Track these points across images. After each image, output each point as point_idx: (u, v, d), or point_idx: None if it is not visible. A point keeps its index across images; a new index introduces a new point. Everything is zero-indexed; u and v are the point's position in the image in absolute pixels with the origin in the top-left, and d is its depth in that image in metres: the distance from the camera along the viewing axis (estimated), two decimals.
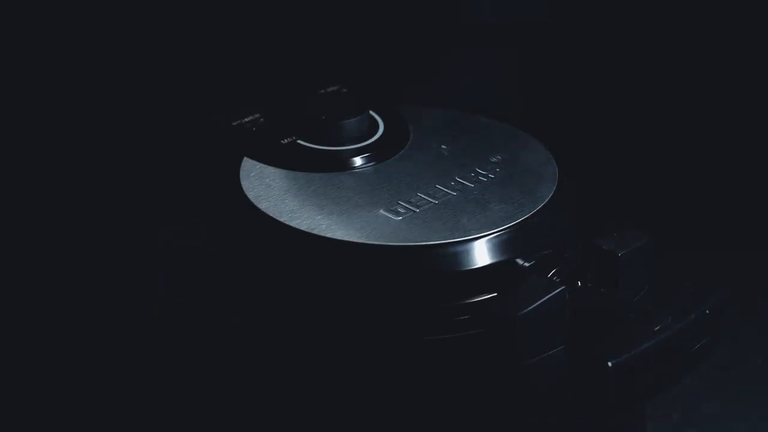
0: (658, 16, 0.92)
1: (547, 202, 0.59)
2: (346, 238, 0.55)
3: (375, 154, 0.62)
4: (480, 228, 0.56)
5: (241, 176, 0.60)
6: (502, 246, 0.56)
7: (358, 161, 0.62)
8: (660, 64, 0.93)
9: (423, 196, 0.59)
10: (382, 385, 0.55)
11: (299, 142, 0.62)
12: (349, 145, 0.62)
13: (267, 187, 0.59)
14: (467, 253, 0.55)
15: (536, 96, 0.94)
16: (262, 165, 0.61)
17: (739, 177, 0.91)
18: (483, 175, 0.61)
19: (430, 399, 0.55)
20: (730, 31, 0.91)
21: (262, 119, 0.64)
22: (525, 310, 0.51)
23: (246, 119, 0.64)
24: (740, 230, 0.86)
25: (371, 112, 0.65)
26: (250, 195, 0.58)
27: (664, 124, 0.93)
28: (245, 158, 0.62)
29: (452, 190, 0.60)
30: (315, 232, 0.55)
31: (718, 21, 0.91)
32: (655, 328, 0.53)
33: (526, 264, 0.55)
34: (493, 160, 0.63)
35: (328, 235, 0.55)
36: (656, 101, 0.94)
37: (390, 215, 0.57)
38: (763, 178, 0.91)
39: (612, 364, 0.50)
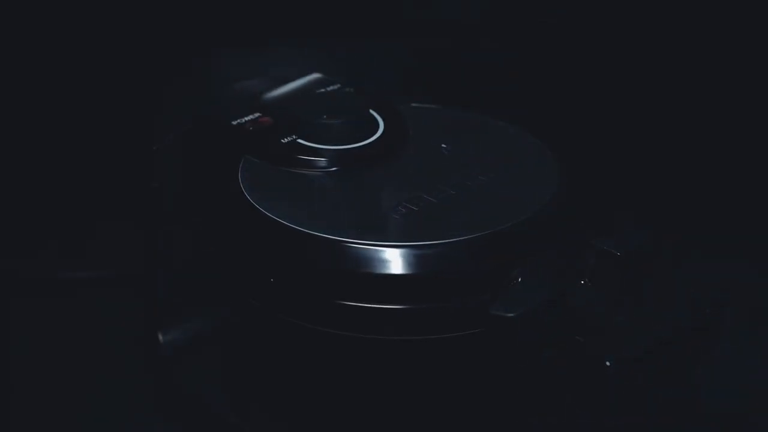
0: (658, 16, 0.92)
1: (547, 202, 0.59)
2: (343, 238, 0.55)
3: (375, 153, 0.63)
4: (479, 227, 0.56)
5: (240, 175, 0.60)
6: (502, 246, 0.56)
7: (357, 160, 0.62)
8: (660, 63, 0.93)
9: (423, 195, 0.59)
10: (381, 385, 0.55)
11: (299, 141, 0.62)
12: (348, 144, 0.62)
13: (266, 187, 0.59)
14: (464, 253, 0.55)
15: (536, 95, 0.94)
16: (262, 164, 0.61)
17: (741, 176, 0.91)
18: (483, 174, 0.61)
19: (428, 399, 0.55)
20: (730, 31, 0.91)
21: (264, 117, 0.64)
22: (523, 310, 0.51)
23: (246, 119, 0.64)
24: (741, 229, 0.86)
25: (371, 111, 0.65)
26: (249, 195, 0.59)
27: (664, 123, 0.93)
28: (245, 157, 0.62)
29: (452, 189, 0.60)
30: (312, 231, 0.55)
31: (718, 21, 0.90)
32: (655, 328, 0.53)
33: (525, 264, 0.55)
34: (494, 159, 0.63)
35: (327, 234, 0.55)
36: (657, 100, 0.94)
37: (391, 214, 0.57)
38: (765, 178, 0.91)
39: (611, 363, 0.50)
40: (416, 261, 0.54)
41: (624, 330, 0.53)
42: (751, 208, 0.88)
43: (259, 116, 0.64)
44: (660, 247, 0.57)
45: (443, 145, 0.64)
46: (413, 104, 0.70)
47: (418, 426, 0.56)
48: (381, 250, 0.54)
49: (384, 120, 0.65)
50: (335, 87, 0.67)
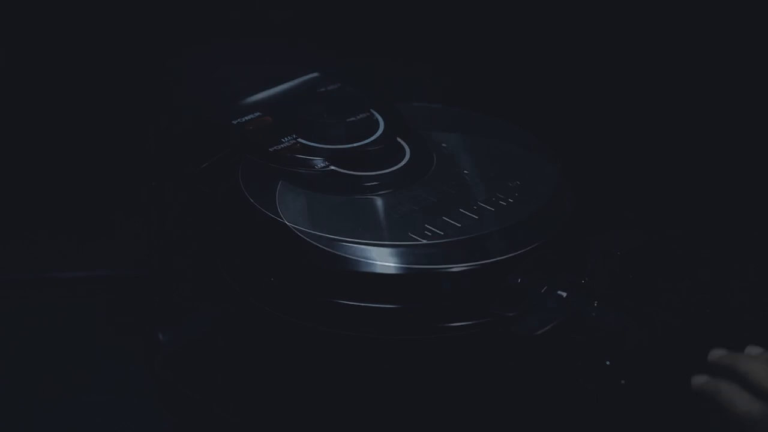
0: (657, 16, 0.92)
1: (547, 202, 0.59)
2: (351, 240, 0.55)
3: (375, 153, 0.62)
4: (479, 227, 0.56)
5: (240, 174, 0.60)
6: (498, 247, 0.56)
7: (356, 160, 0.62)
8: (660, 64, 0.93)
9: (422, 194, 0.59)
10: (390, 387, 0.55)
11: (300, 140, 0.62)
12: (348, 143, 0.62)
13: (266, 187, 0.60)
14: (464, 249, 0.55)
15: (537, 95, 0.94)
16: (262, 163, 0.61)
17: (741, 176, 0.91)
18: (484, 174, 0.61)
19: (424, 400, 0.55)
20: (730, 31, 0.90)
21: (265, 117, 0.64)
22: (543, 330, 0.51)
23: (246, 118, 0.63)
24: (743, 230, 0.85)
25: (372, 111, 0.65)
26: (250, 194, 0.59)
27: (666, 123, 0.93)
28: (245, 156, 0.62)
29: (452, 189, 0.60)
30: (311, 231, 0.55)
31: (718, 21, 0.90)
32: (655, 328, 0.53)
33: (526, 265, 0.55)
34: (496, 158, 0.63)
35: (334, 235, 0.55)
36: (656, 101, 0.94)
37: (394, 214, 0.57)
38: (765, 178, 0.91)
39: (610, 363, 0.50)
40: (412, 261, 0.55)
41: (623, 329, 0.53)
42: (753, 209, 0.88)
43: (259, 115, 0.64)
44: (661, 246, 0.57)
45: (443, 144, 0.64)
46: (415, 103, 0.70)
47: (419, 426, 0.56)
48: (379, 250, 0.55)
49: (384, 119, 0.65)
50: (335, 86, 0.67)
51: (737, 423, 0.48)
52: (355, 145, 0.62)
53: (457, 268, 0.54)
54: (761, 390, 0.49)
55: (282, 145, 0.61)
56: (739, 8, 0.90)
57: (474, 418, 0.55)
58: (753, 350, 0.52)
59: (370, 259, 0.54)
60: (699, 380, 0.51)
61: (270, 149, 0.61)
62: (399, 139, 0.64)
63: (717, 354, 0.52)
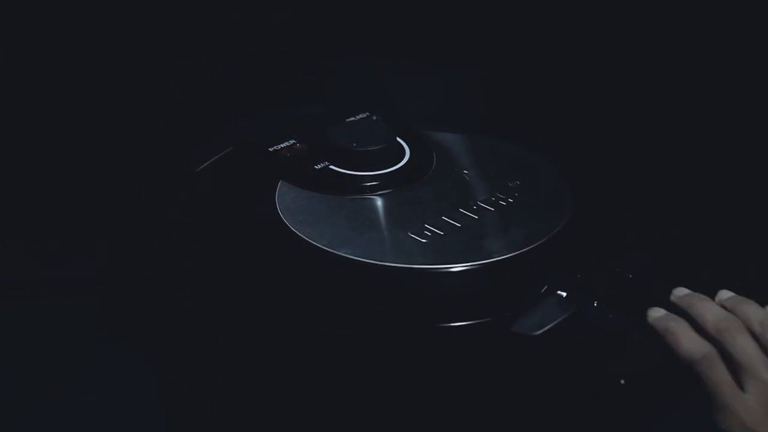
0: (657, 16, 0.92)
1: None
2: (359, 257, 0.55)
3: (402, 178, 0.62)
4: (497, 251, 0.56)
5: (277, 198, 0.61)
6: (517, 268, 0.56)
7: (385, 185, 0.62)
8: (660, 64, 0.92)
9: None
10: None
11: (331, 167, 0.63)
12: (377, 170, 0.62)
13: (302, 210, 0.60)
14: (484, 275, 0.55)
15: (540, 98, 0.94)
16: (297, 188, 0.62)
17: (741, 176, 0.90)
18: (504, 198, 0.61)
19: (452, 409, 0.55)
20: (730, 31, 0.90)
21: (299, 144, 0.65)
22: (543, 330, 0.51)
23: (282, 145, 0.64)
24: (741, 228, 0.85)
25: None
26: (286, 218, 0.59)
27: (664, 123, 0.93)
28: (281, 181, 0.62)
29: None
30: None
31: (719, 21, 0.90)
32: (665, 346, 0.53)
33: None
34: (513, 181, 0.63)
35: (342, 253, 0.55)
36: (656, 101, 0.93)
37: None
38: (765, 178, 0.91)
39: (625, 382, 0.50)
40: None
41: (623, 329, 0.53)
42: (753, 209, 0.88)
43: (294, 143, 0.65)
44: (672, 265, 0.57)
45: (465, 172, 0.64)
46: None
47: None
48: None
49: (410, 146, 0.65)
50: (363, 115, 0.68)
51: (683, 360, 0.50)
52: (386, 170, 0.62)
53: (456, 267, 0.54)
54: (707, 332, 0.50)
55: (282, 146, 0.62)
56: (739, 8, 0.90)
57: (474, 418, 0.55)
58: (723, 295, 0.53)
59: (370, 259, 0.54)
60: (654, 314, 0.52)
61: (270, 149, 0.62)
62: (399, 139, 0.64)
63: (678, 294, 0.53)
